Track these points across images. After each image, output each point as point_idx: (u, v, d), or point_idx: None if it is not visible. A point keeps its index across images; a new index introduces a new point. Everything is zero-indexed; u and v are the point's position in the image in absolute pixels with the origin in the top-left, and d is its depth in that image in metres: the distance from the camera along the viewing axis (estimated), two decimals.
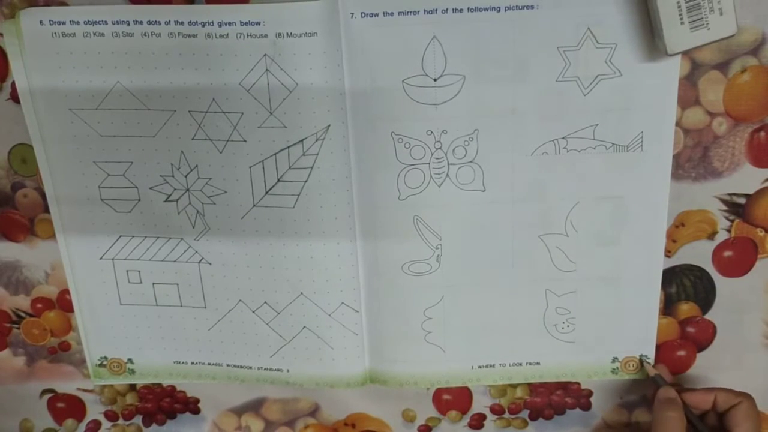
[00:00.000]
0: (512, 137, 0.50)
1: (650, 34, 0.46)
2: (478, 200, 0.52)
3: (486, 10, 0.47)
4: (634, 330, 0.55)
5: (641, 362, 0.56)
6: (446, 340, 0.56)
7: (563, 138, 0.50)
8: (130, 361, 0.59)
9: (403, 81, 0.48)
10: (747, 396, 0.52)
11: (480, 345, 0.56)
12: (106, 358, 0.59)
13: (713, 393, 0.52)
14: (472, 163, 0.51)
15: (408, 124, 0.50)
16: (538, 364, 0.57)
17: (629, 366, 0.56)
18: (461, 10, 0.47)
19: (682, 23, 0.43)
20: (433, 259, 0.53)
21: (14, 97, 0.51)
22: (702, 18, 0.43)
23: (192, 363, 0.58)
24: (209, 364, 0.58)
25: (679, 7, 0.43)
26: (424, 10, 0.47)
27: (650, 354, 0.56)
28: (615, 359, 0.56)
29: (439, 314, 0.55)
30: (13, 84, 0.50)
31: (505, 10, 0.47)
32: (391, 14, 0.47)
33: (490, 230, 0.53)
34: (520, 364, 0.57)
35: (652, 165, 0.50)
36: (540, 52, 0.48)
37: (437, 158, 0.50)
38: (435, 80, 0.48)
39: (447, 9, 0.47)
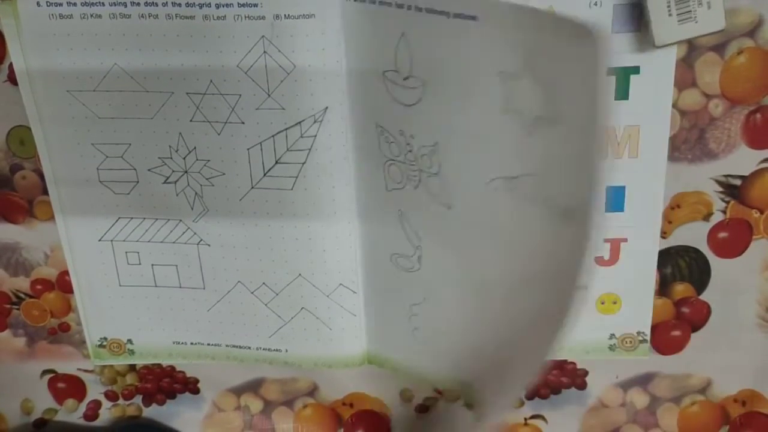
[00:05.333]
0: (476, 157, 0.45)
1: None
2: (445, 216, 0.48)
3: (439, 14, 0.42)
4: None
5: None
6: (430, 342, 0.55)
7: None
8: (129, 341, 0.59)
9: (383, 72, 0.47)
10: None
11: (464, 357, 0.54)
12: (105, 338, 0.59)
13: None
14: (437, 176, 0.47)
15: (387, 118, 0.48)
16: None
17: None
18: (421, 10, 0.42)
19: (670, 15, 0.43)
20: (415, 258, 0.52)
21: (12, 79, 0.51)
22: (690, 11, 0.43)
23: (191, 343, 0.59)
24: (208, 344, 0.59)
25: None
26: (396, 3, 0.43)
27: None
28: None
29: (422, 314, 0.54)
30: (10, 66, 0.50)
31: (454, 17, 0.41)
32: (373, 2, 0.45)
33: (461, 250, 0.49)
34: None
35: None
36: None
37: (410, 161, 0.48)
38: (405, 79, 0.45)
39: (411, 6, 0.43)
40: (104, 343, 0.59)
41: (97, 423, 0.64)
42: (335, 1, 0.46)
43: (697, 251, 0.54)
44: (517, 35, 0.39)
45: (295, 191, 0.52)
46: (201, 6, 0.47)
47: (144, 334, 0.59)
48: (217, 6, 0.47)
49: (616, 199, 0.52)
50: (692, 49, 0.48)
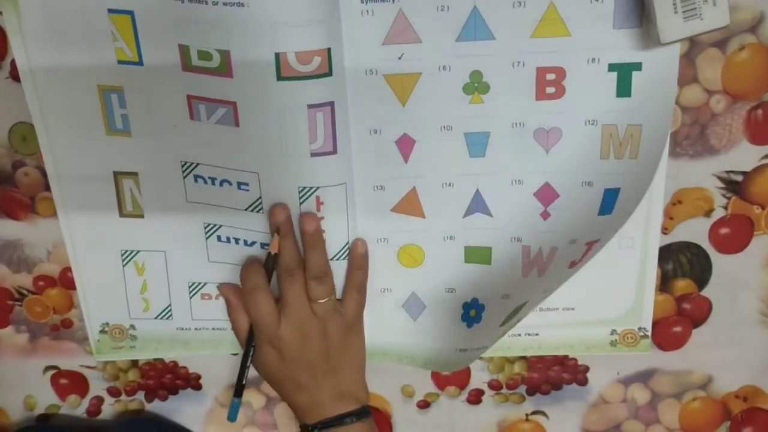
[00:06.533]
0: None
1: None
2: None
3: None
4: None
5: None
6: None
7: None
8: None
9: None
10: None
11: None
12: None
13: None
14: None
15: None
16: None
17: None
18: None
19: (675, 12, 0.43)
20: None
21: (14, 76, 0.51)
22: (695, 8, 0.43)
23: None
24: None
25: None
26: None
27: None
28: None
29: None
30: (12, 62, 0.50)
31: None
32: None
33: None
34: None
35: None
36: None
37: None
38: None
39: None
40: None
41: (99, 418, 0.64)
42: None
43: (698, 247, 0.54)
44: None
45: None
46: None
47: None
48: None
49: (608, 202, 0.51)
50: (694, 44, 0.48)
